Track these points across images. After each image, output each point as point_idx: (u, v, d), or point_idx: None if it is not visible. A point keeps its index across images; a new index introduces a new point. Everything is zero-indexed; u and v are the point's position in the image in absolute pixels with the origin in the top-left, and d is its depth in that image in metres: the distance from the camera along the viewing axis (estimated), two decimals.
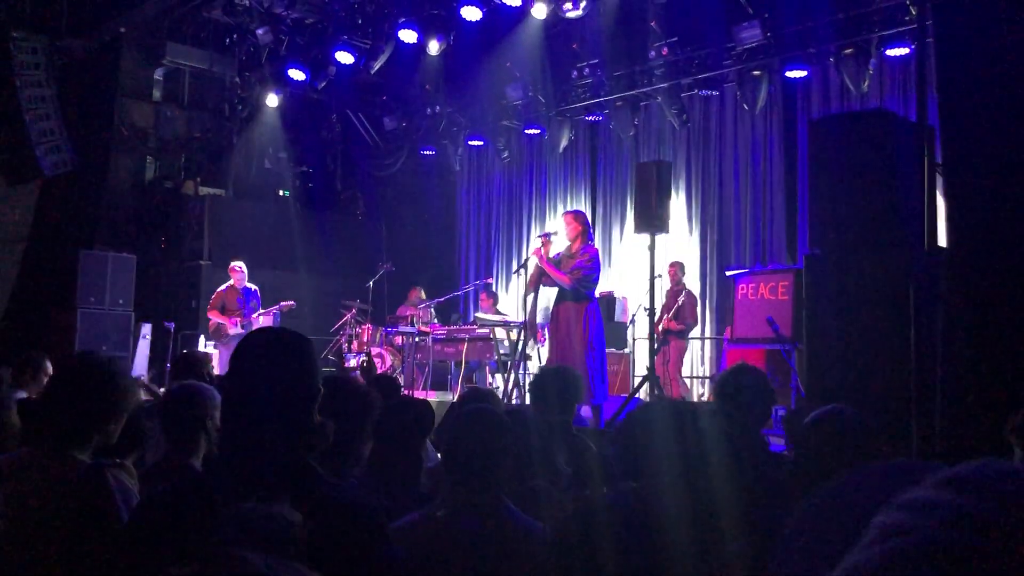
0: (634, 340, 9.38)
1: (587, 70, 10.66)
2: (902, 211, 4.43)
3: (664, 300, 8.90)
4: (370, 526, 1.62)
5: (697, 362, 10.22)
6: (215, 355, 8.79)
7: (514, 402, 6.84)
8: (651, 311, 6.87)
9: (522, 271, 7.18)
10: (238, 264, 9.57)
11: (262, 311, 9.53)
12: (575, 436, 3.59)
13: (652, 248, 6.71)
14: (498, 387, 7.75)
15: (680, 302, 8.84)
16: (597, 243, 8.59)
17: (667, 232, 6.86)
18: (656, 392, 6.59)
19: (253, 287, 9.67)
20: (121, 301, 10.38)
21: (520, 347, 7.26)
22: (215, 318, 9.46)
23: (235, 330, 9.21)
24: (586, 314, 6.68)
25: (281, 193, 13.17)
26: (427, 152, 12.93)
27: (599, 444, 3.74)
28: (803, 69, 9.27)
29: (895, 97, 8.94)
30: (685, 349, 9.23)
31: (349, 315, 10.16)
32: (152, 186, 12.14)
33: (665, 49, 9.82)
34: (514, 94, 11.24)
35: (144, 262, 11.19)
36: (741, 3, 8.97)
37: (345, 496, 1.65)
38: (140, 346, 10.08)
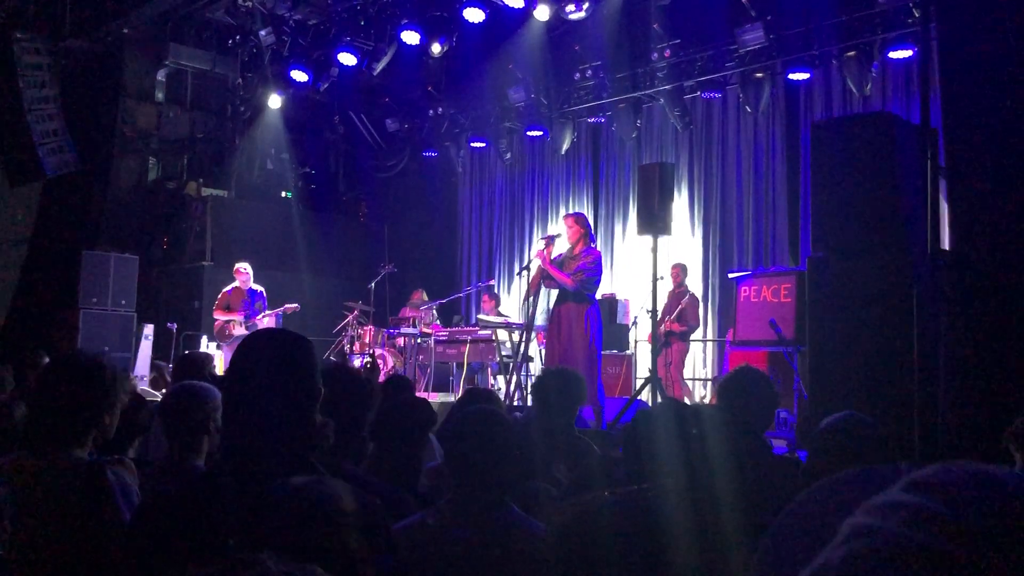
0: (636, 342, 9.36)
1: (589, 72, 10.67)
2: (905, 214, 4.43)
3: (666, 302, 8.88)
4: (370, 526, 1.62)
5: (699, 364, 10.20)
6: (218, 356, 8.78)
7: (516, 403, 6.84)
8: (653, 313, 6.87)
9: (525, 273, 7.17)
10: (243, 265, 9.55)
11: (267, 312, 9.52)
12: (578, 438, 3.58)
13: (654, 250, 6.71)
14: (500, 389, 7.74)
15: (682, 304, 8.83)
16: (599, 245, 8.58)
17: (669, 234, 6.86)
18: (660, 395, 6.58)
19: (259, 288, 9.63)
20: (123, 302, 10.38)
21: (522, 349, 7.26)
22: (220, 317, 9.45)
23: (239, 331, 9.21)
24: (587, 315, 6.68)
25: (283, 194, 13.18)
26: (429, 154, 12.91)
27: (602, 446, 3.73)
28: (806, 71, 9.27)
29: (898, 100, 8.92)
30: (687, 351, 9.22)
31: (351, 316, 10.16)
32: (154, 187, 12.15)
33: (668, 51, 9.83)
34: (516, 96, 11.23)
35: (146, 263, 11.21)
36: (744, 5, 8.96)
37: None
38: (142, 347, 10.07)
